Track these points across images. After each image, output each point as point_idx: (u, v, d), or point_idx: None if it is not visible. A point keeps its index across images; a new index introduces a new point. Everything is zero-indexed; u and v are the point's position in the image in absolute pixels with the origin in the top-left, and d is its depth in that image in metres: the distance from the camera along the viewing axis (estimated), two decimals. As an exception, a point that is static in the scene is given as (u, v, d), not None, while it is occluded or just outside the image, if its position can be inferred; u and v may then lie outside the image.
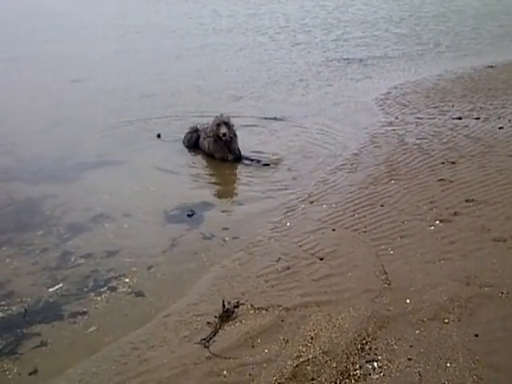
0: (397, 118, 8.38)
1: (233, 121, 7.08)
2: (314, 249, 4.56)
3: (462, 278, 3.91)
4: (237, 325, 3.63)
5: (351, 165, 6.49)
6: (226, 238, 4.97)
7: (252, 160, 6.96)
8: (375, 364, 3.14)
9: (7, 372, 3.42)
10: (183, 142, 7.69)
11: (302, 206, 5.49)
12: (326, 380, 3.04)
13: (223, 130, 6.82)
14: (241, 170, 6.78)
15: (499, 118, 7.81)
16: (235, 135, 7.00)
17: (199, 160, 7.24)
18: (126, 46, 16.07)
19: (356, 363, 3.16)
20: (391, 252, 4.40)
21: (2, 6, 29.35)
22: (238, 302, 3.82)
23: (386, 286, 3.92)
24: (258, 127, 8.38)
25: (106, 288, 4.27)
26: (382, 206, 5.28)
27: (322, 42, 15.60)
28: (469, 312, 3.54)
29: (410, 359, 3.15)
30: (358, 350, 3.26)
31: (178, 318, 3.79)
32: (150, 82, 11.79)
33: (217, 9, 24.95)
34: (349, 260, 4.33)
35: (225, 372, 3.18)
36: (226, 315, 3.69)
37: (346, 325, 3.49)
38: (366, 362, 3.16)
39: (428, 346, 3.24)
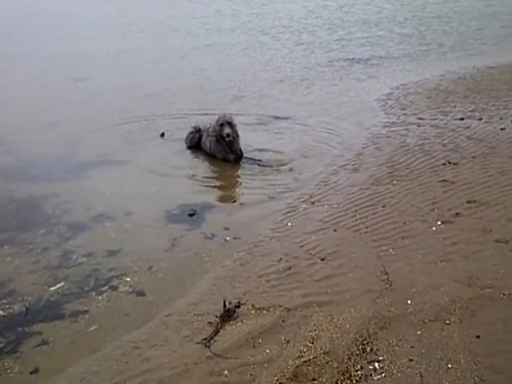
0: (399, 118, 8.37)
1: (235, 120, 7.08)
2: (315, 249, 4.56)
3: (463, 279, 3.91)
4: (238, 325, 3.62)
5: (353, 165, 6.48)
6: (228, 238, 4.97)
7: (254, 160, 6.96)
8: (376, 365, 3.14)
9: (8, 371, 3.42)
10: (185, 142, 7.69)
11: (304, 206, 5.49)
12: (327, 380, 3.03)
13: (227, 130, 6.81)
14: (242, 170, 6.77)
15: (501, 119, 7.80)
16: (237, 135, 7.00)
17: (201, 160, 7.24)
18: (130, 45, 16.09)
19: (357, 364, 3.16)
20: (392, 253, 4.40)
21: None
22: (239, 302, 3.82)
23: (388, 286, 3.92)
24: (260, 126, 8.38)
25: (107, 287, 4.27)
26: (383, 206, 5.27)
27: (325, 42, 15.59)
28: (470, 313, 3.54)
29: (411, 360, 3.15)
30: (360, 350, 3.26)
31: (179, 317, 3.79)
32: (153, 81, 11.80)
33: (220, 8, 24.96)
34: (350, 260, 4.33)
35: (226, 372, 3.18)
36: (227, 315, 3.69)
37: (347, 325, 3.49)
38: (368, 362, 3.16)
39: (429, 347, 3.24)
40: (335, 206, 5.39)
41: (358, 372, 3.09)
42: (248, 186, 6.29)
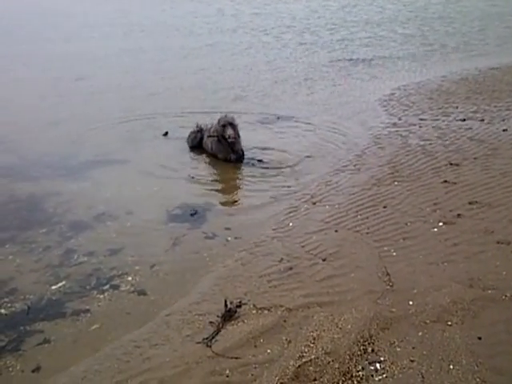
0: (400, 119, 8.36)
1: (237, 121, 7.08)
2: (316, 249, 4.56)
3: (465, 281, 3.90)
4: (239, 324, 3.63)
5: (354, 166, 6.48)
6: (229, 238, 4.97)
7: (255, 160, 6.95)
8: (378, 365, 3.13)
9: (10, 369, 3.43)
10: (187, 142, 7.69)
11: (305, 206, 5.49)
12: (328, 381, 3.03)
13: (229, 132, 6.80)
14: (244, 171, 6.77)
15: (503, 121, 7.78)
16: (239, 136, 6.99)
17: (202, 160, 7.24)
18: (131, 45, 16.12)
19: (358, 364, 3.15)
20: (394, 253, 4.39)
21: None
22: (240, 302, 3.82)
23: (389, 287, 3.91)
24: (262, 126, 8.39)
25: (108, 286, 4.28)
26: (384, 207, 5.27)
27: (327, 42, 15.60)
28: (472, 314, 3.53)
29: (412, 361, 3.14)
30: (361, 351, 3.26)
31: (181, 316, 3.79)
32: (155, 80, 11.82)
33: (222, 8, 24.99)
34: (351, 261, 4.32)
35: (227, 371, 3.18)
36: (229, 315, 3.69)
37: (349, 326, 3.49)
38: (369, 363, 3.16)
39: (431, 348, 3.23)
40: (337, 206, 5.39)
41: (360, 372, 3.09)
42: (249, 186, 6.29)
